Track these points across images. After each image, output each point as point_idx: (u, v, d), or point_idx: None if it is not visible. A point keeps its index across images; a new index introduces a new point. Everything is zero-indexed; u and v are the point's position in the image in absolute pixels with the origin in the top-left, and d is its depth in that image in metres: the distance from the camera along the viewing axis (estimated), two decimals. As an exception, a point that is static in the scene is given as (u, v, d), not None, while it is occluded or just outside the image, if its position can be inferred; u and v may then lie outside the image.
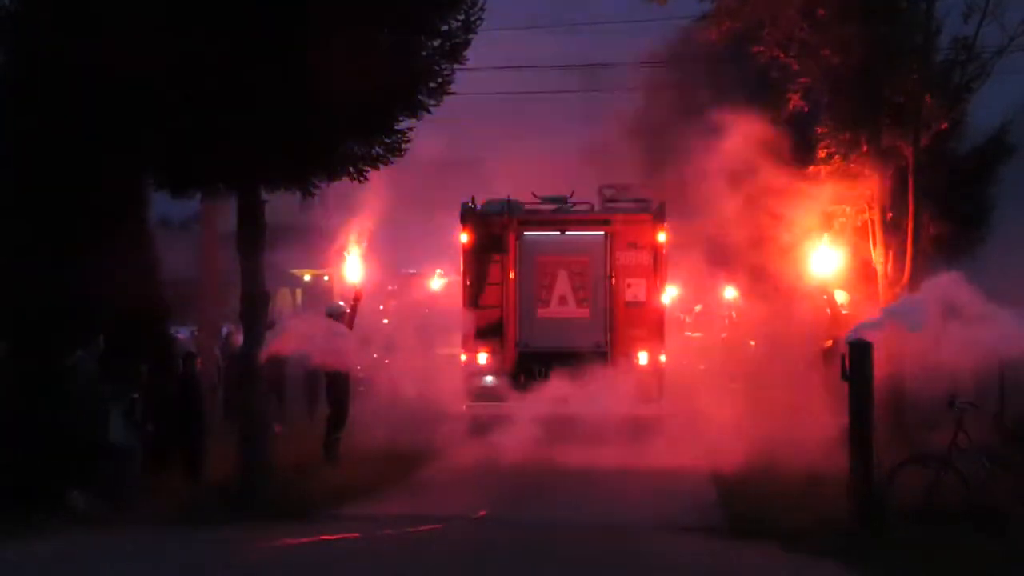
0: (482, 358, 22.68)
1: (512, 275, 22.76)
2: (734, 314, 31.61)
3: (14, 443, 14.79)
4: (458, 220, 23.13)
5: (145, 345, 16.75)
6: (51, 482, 14.63)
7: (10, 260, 15.85)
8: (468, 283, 23.02)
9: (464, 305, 23.00)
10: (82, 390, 15.47)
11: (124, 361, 16.10)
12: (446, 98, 16.55)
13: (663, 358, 22.69)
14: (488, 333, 22.71)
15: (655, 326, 22.75)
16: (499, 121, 25.86)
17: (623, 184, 24.14)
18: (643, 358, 22.48)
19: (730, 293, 31.79)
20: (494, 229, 22.98)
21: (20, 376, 15.35)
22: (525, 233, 22.96)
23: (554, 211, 23.30)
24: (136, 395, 16.04)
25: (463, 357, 22.97)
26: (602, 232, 22.86)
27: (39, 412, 15.04)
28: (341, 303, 21.49)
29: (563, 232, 23.10)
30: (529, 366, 22.33)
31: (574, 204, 23.48)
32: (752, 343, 24.31)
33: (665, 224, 22.82)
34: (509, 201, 23.10)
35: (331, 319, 19.65)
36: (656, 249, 22.77)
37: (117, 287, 15.69)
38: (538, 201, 23.47)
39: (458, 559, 12.77)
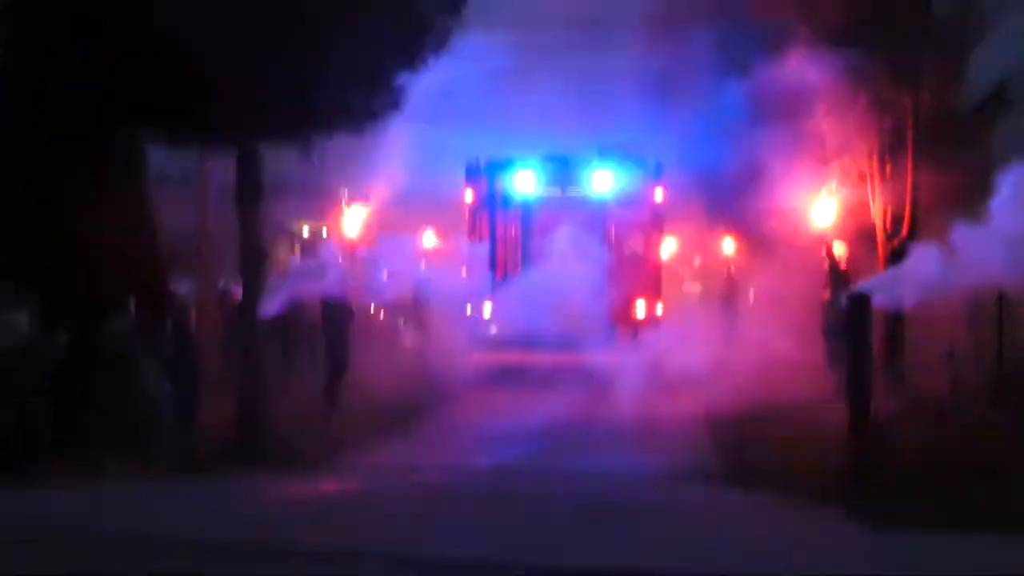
0: (486, 310, 22.89)
1: (513, 231, 22.95)
2: (733, 268, 31.71)
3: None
4: (463, 178, 23.41)
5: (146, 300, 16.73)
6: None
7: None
8: (472, 240, 23.28)
9: (468, 261, 23.27)
10: (126, 361, 15.55)
11: (148, 316, 16.18)
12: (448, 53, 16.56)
13: (660, 310, 22.97)
14: (492, 286, 22.93)
15: (653, 279, 23.10)
16: (500, 78, 25.82)
17: (622, 141, 24.24)
18: (641, 310, 22.75)
19: (729, 247, 31.88)
20: (497, 187, 23.21)
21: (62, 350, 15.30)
22: (527, 191, 23.16)
23: (555, 169, 23.48)
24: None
25: (468, 310, 23.17)
26: (601, 189, 23.06)
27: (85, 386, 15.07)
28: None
29: (564, 190, 23.27)
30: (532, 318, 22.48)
31: (575, 162, 23.65)
32: (751, 293, 24.44)
33: (663, 181, 23.11)
34: (512, 160, 23.34)
35: None
36: (654, 205, 23.06)
37: (118, 245, 15.60)
38: (540, 159, 23.64)
39: (458, 509, 12.81)
